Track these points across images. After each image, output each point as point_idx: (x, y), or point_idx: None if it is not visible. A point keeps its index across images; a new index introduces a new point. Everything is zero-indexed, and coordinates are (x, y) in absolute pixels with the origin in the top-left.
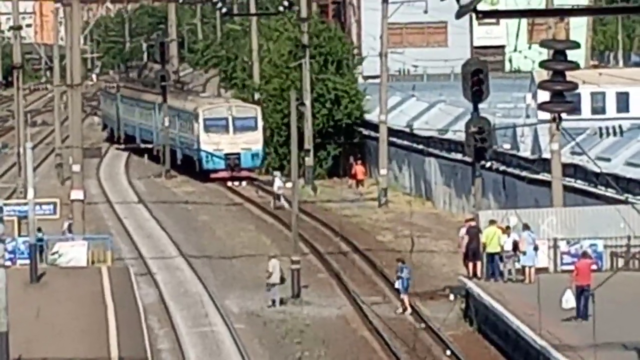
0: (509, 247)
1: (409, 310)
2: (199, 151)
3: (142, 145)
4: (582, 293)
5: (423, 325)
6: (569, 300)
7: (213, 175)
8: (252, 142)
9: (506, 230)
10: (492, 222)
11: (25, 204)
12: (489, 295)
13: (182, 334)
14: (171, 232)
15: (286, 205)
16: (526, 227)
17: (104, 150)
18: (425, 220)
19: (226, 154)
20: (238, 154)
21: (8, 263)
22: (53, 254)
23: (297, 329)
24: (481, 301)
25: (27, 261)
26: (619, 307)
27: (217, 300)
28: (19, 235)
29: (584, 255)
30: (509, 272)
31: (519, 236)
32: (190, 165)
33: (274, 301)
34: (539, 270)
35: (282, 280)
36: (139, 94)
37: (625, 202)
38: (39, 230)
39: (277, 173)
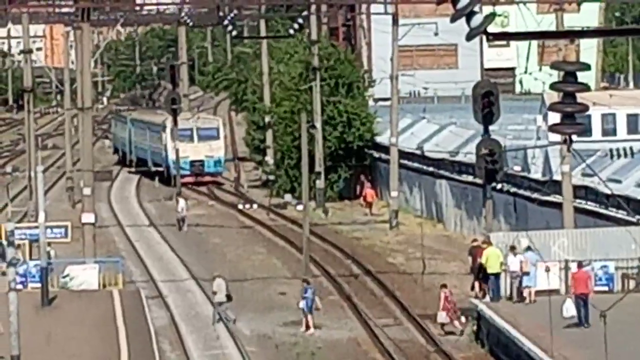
0: (515, 267)
1: (312, 330)
2: (167, 159)
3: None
4: (581, 302)
5: (434, 348)
6: (569, 309)
7: (180, 181)
8: (214, 150)
9: (511, 250)
10: (489, 243)
11: (37, 227)
12: (500, 317)
13: (193, 357)
14: (182, 255)
15: (185, 228)
16: (528, 248)
17: (114, 173)
18: (436, 242)
19: (191, 161)
20: (202, 160)
21: (19, 286)
22: (64, 277)
23: (308, 352)
24: (493, 323)
25: (39, 285)
26: (630, 329)
27: (228, 323)
28: (30, 259)
29: (580, 265)
30: (518, 293)
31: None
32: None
33: (233, 319)
34: (551, 292)
35: (229, 298)
36: (118, 110)
37: (637, 223)
38: (49, 245)
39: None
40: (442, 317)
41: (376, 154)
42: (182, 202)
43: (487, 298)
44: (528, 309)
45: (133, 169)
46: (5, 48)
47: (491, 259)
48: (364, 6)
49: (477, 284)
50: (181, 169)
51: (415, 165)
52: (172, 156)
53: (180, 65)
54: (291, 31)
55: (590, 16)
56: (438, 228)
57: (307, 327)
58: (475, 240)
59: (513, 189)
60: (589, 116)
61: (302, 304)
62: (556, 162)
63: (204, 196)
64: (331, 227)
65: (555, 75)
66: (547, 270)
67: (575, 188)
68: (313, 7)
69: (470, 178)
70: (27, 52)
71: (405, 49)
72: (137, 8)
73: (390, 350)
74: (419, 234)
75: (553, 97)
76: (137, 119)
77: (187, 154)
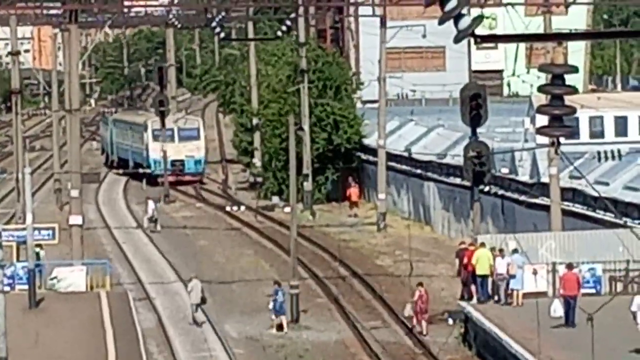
0: (502, 270)
1: (285, 330)
2: (148, 158)
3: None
4: (569, 303)
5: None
6: (557, 309)
7: (160, 180)
8: (195, 150)
9: (500, 252)
10: (482, 244)
11: (24, 229)
12: (487, 319)
13: (181, 359)
14: (170, 257)
15: (159, 227)
16: (515, 251)
17: (102, 175)
18: (423, 245)
19: (172, 161)
20: (182, 160)
21: (7, 288)
22: (52, 279)
23: (296, 354)
24: (480, 325)
25: (26, 286)
26: (617, 332)
27: (216, 325)
28: (18, 261)
29: (569, 267)
30: (505, 295)
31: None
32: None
33: (197, 322)
34: (538, 295)
35: (203, 300)
36: (104, 112)
37: (624, 226)
38: (40, 246)
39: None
40: (407, 309)
41: (364, 156)
42: (151, 203)
43: (474, 300)
44: (515, 311)
45: (120, 171)
46: None
47: (481, 260)
48: (352, 8)
49: (464, 288)
50: (161, 168)
51: (403, 167)
52: (153, 156)
53: (168, 67)
54: (279, 33)
55: (578, 19)
56: (426, 230)
57: (279, 328)
58: (463, 242)
59: (501, 192)
60: (577, 118)
61: (271, 305)
62: (544, 165)
63: (191, 198)
64: (319, 229)
65: (543, 78)
66: (535, 272)
67: (563, 190)
68: (301, 9)
69: (458, 180)
70: (14, 53)
71: (393, 51)
72: (125, 10)
73: (377, 352)
74: (406, 236)
75: (541, 99)
76: (119, 120)
77: (168, 154)
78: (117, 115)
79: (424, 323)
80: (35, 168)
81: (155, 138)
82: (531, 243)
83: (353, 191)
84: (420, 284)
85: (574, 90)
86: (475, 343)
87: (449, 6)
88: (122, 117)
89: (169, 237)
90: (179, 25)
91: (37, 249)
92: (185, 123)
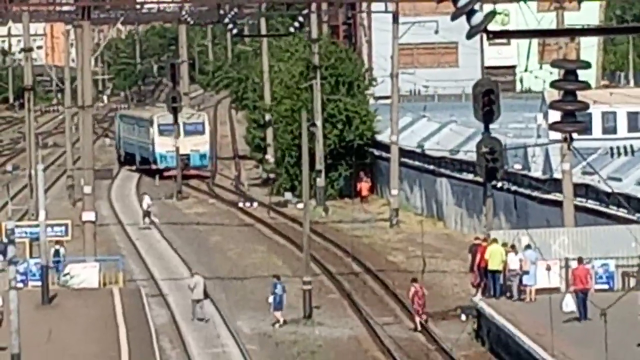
0: (515, 266)
1: (280, 323)
2: (154, 153)
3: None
4: (581, 297)
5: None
6: (569, 304)
7: (166, 173)
8: (200, 144)
9: (512, 248)
10: (494, 240)
11: (37, 225)
12: (500, 315)
13: (194, 355)
14: (182, 253)
15: (156, 220)
16: (527, 246)
17: (115, 171)
18: (436, 241)
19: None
20: (188, 154)
21: (20, 285)
22: (65, 275)
23: (309, 350)
24: (493, 321)
25: (39, 283)
26: (631, 327)
27: (228, 321)
28: (31, 257)
29: (579, 261)
30: (517, 291)
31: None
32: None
33: (199, 318)
34: (551, 291)
35: (206, 295)
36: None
37: (637, 221)
38: (60, 243)
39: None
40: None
41: (377, 152)
42: (147, 198)
43: (479, 294)
44: (528, 307)
45: (133, 167)
46: (6, 46)
47: (493, 255)
48: (364, 4)
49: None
50: (167, 162)
51: (416, 163)
52: (158, 150)
53: (180, 63)
54: (291, 29)
55: (590, 14)
56: (438, 226)
57: (277, 323)
58: (477, 238)
59: (513, 187)
60: (590, 114)
61: (270, 299)
62: (557, 160)
63: (204, 194)
64: (331, 225)
65: (555, 73)
66: (548, 268)
67: (576, 186)
68: (313, 6)
69: (470, 176)
70: (27, 50)
71: (405, 47)
72: (138, 6)
73: (390, 348)
74: (419, 232)
75: (553, 95)
76: (126, 115)
77: (174, 148)
78: (124, 111)
79: (417, 318)
80: (48, 165)
81: (161, 133)
82: (544, 239)
83: (364, 185)
84: (414, 280)
85: (586, 86)
86: (488, 339)
87: (462, 2)
88: (129, 113)
89: (181, 234)
90: (192, 22)
91: (58, 246)
92: (191, 117)
